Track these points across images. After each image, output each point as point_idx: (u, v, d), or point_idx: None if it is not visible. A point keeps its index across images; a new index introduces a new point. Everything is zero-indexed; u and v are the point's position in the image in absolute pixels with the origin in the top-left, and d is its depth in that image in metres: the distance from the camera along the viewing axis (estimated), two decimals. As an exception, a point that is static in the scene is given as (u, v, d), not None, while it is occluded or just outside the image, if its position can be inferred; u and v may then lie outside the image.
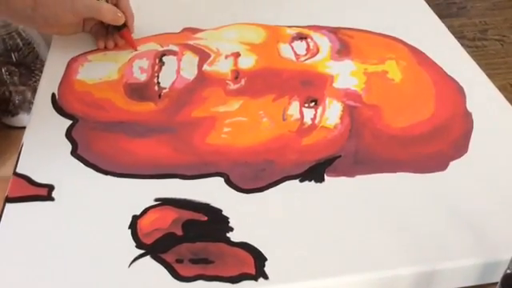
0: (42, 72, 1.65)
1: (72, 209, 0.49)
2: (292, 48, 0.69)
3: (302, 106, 0.60)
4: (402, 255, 0.45)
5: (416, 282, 0.45)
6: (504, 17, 0.82)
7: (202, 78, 0.64)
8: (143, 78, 0.64)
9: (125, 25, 0.69)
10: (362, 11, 0.77)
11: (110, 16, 0.67)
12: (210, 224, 0.48)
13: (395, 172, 0.53)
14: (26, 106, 1.59)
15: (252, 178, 0.52)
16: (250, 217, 0.48)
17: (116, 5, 0.69)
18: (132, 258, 0.45)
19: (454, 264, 0.45)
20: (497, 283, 0.39)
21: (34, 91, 1.63)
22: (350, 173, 0.53)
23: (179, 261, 0.45)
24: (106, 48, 0.69)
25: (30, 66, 1.58)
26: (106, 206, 0.50)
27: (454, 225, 0.47)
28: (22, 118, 1.60)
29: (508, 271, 0.36)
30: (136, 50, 0.69)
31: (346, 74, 0.65)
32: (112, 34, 0.70)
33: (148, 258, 0.45)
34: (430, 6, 0.78)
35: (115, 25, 0.68)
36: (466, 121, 0.58)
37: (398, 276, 0.45)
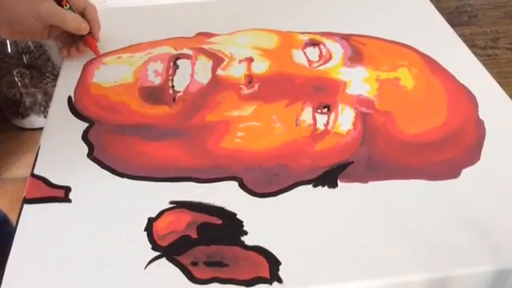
0: (52, 74, 1.67)
1: (89, 210, 0.50)
2: (305, 54, 0.70)
3: (314, 111, 0.61)
4: (415, 261, 0.46)
5: (428, 288, 0.45)
6: (515, 25, 0.82)
7: (216, 82, 0.65)
8: (158, 81, 0.65)
9: (89, 33, 0.68)
10: (374, 19, 0.78)
11: (73, 25, 0.66)
12: (224, 227, 0.49)
13: (408, 179, 0.53)
14: (37, 107, 1.61)
15: (266, 182, 0.53)
16: (263, 221, 0.49)
17: (82, 13, 0.69)
18: (148, 260, 0.46)
19: (466, 271, 0.45)
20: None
21: (45, 93, 1.66)
22: (362, 178, 0.53)
23: (194, 263, 0.45)
24: (69, 56, 0.70)
25: (41, 69, 1.60)
26: (122, 208, 0.50)
27: (466, 232, 0.48)
28: (32, 120, 1.62)
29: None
30: (100, 56, 0.69)
31: (359, 81, 0.65)
32: (77, 41, 0.70)
33: (164, 260, 0.46)
34: (441, 14, 0.79)
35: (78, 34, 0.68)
36: (479, 128, 0.59)
37: (411, 282, 0.45)
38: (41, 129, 1.65)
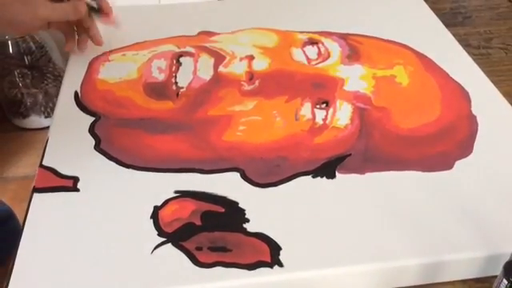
0: (53, 75, 1.69)
1: (96, 199, 0.52)
2: (304, 52, 0.72)
3: (313, 106, 0.63)
4: (409, 247, 0.48)
5: (422, 273, 0.47)
6: (508, 26, 0.84)
7: (218, 79, 0.67)
8: (161, 77, 0.67)
9: (99, 10, 0.70)
10: (372, 19, 0.80)
11: (70, 15, 0.67)
12: (227, 215, 0.51)
13: (403, 170, 0.55)
14: (38, 108, 1.63)
15: (267, 173, 0.55)
16: (265, 209, 0.51)
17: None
18: (154, 246, 0.48)
19: (458, 256, 0.47)
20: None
21: (46, 94, 1.67)
22: (360, 170, 0.55)
23: (199, 248, 0.47)
24: (78, 48, 0.72)
25: (42, 69, 1.62)
26: (128, 197, 0.52)
27: (458, 220, 0.50)
28: (33, 120, 1.64)
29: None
30: (113, 23, 0.70)
31: (356, 78, 0.67)
32: (79, 32, 0.72)
33: (169, 245, 0.48)
34: (436, 15, 0.81)
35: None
36: (471, 123, 0.61)
37: (405, 266, 0.47)
38: (41, 129, 1.65)
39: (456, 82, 0.67)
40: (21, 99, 1.61)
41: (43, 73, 1.62)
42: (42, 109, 1.64)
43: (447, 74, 0.68)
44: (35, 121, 1.64)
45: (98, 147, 0.58)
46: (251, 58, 0.70)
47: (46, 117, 1.63)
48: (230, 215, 0.51)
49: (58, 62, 1.63)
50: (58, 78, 1.58)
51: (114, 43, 0.73)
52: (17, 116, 1.64)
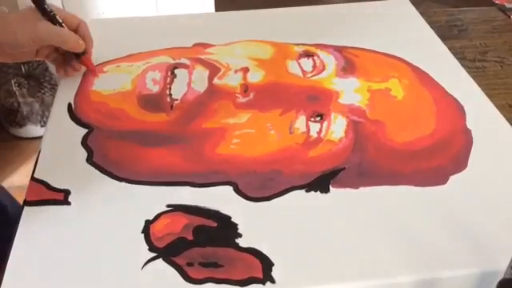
0: (50, 84, 1.68)
1: (87, 213, 0.52)
2: (299, 64, 0.72)
3: (308, 119, 0.62)
4: (403, 263, 0.47)
5: (416, 289, 0.47)
6: (504, 39, 0.85)
7: (212, 91, 0.67)
8: (156, 89, 0.67)
9: (84, 52, 0.67)
10: (367, 32, 0.80)
11: (71, 43, 0.65)
12: (219, 230, 0.50)
13: (397, 185, 0.55)
14: (34, 117, 1.63)
15: (260, 187, 0.54)
16: (257, 224, 0.51)
17: (75, 31, 0.67)
18: (145, 261, 0.47)
19: (452, 273, 0.47)
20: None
21: (42, 103, 1.67)
22: (354, 184, 0.55)
23: (190, 264, 0.47)
24: (66, 75, 0.69)
25: (38, 78, 1.62)
26: (119, 210, 0.52)
27: (453, 235, 0.49)
28: (29, 129, 1.63)
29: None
30: (96, 76, 0.69)
31: (351, 91, 0.67)
32: (69, 60, 0.68)
33: (160, 260, 0.47)
34: (432, 28, 0.81)
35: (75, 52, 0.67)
36: (466, 137, 0.61)
37: (399, 283, 0.47)
38: (38, 138, 1.65)
39: (451, 95, 0.67)
40: (17, 108, 1.61)
41: (40, 82, 1.62)
42: (39, 118, 1.64)
43: (442, 88, 0.68)
44: (32, 130, 1.64)
45: (90, 160, 0.57)
46: (246, 70, 0.70)
47: (42, 126, 1.63)
48: (222, 230, 0.50)
49: (55, 72, 1.62)
50: (55, 87, 1.58)
51: (108, 55, 0.73)
52: (13, 125, 1.64)
